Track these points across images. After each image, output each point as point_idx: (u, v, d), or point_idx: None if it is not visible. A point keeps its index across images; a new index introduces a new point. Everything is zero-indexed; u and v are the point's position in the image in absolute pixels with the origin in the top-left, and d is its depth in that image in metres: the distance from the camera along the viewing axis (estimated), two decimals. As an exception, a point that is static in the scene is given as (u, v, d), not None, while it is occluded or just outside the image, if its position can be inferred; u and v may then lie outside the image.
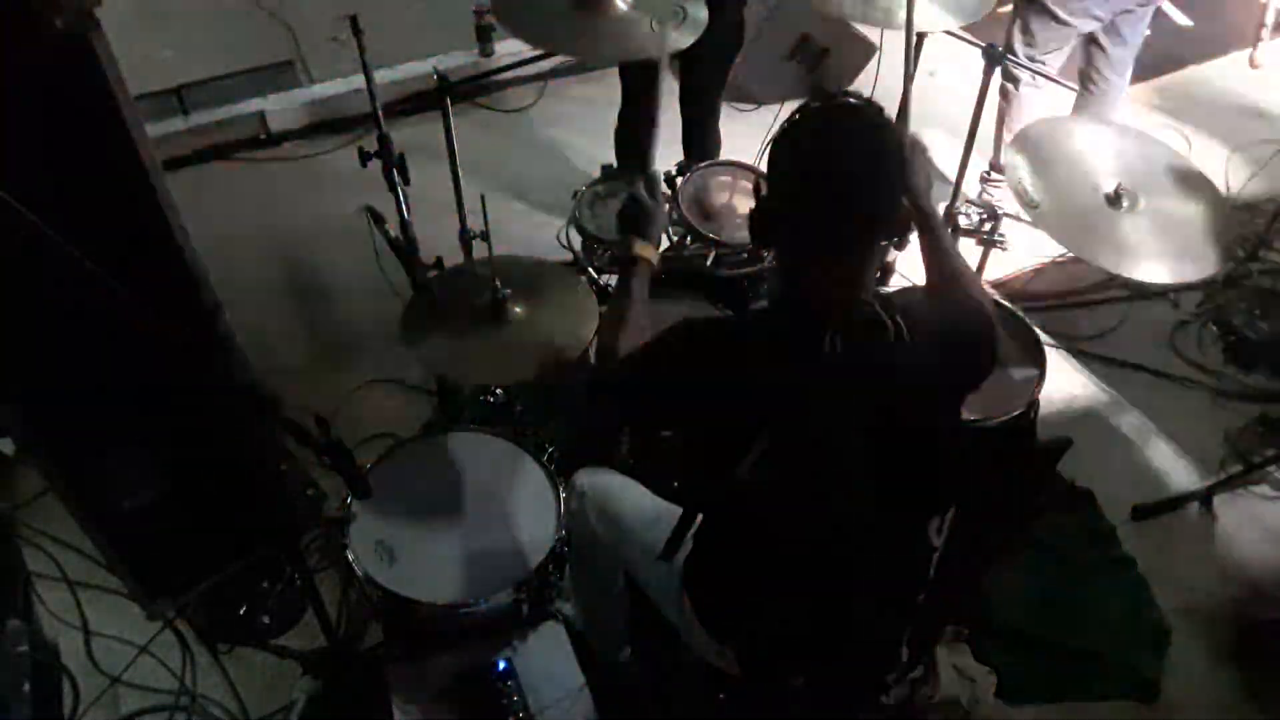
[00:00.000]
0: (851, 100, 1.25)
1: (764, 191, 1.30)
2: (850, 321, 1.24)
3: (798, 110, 1.26)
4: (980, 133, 2.39)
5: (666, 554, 1.53)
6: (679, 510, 1.70)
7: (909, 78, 1.96)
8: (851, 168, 1.21)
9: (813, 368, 1.22)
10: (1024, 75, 2.98)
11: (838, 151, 1.21)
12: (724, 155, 2.61)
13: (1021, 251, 3.11)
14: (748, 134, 3.58)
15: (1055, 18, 2.81)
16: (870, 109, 1.25)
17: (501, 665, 1.75)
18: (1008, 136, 3.16)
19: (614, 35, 1.97)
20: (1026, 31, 2.89)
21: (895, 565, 1.37)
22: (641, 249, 1.58)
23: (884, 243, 1.32)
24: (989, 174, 3.30)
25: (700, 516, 1.47)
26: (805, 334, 1.23)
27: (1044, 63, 2.90)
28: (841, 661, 1.46)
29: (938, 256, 1.57)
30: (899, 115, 2.18)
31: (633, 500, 1.79)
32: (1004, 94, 3.10)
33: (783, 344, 1.25)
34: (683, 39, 2.02)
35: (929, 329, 1.29)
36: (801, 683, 1.46)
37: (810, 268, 1.27)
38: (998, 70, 2.29)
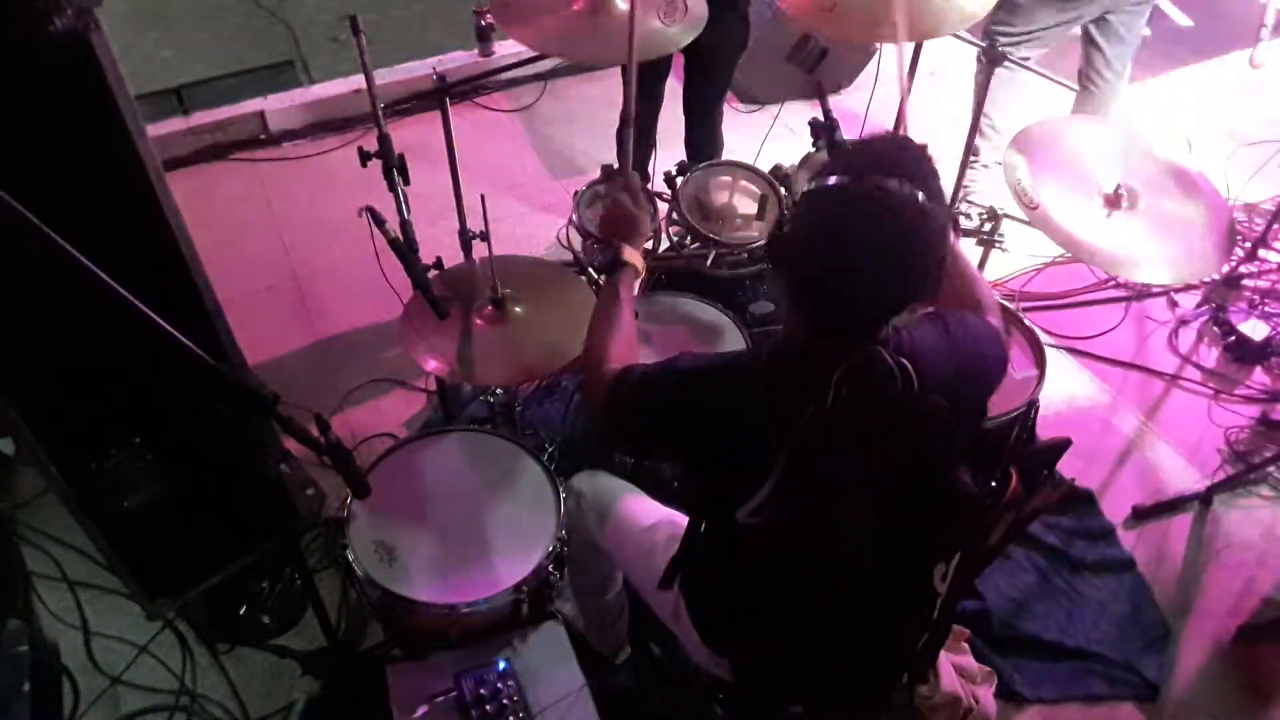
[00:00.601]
0: (891, 184, 1.15)
1: (785, 230, 1.25)
2: (858, 367, 1.20)
3: (835, 185, 1.18)
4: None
5: (664, 585, 1.52)
6: (676, 515, 1.70)
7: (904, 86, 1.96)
8: (885, 274, 1.17)
9: (819, 416, 1.18)
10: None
11: (872, 256, 1.17)
12: (724, 155, 2.61)
13: (1021, 251, 3.12)
14: (748, 134, 3.58)
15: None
16: (910, 198, 1.15)
17: (501, 665, 1.75)
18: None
19: (615, 37, 1.97)
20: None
21: (897, 611, 1.36)
22: (627, 253, 1.58)
23: None
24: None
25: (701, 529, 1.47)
26: (813, 381, 1.20)
27: (1026, 37, 2.87)
28: (839, 693, 1.46)
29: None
30: (896, 120, 2.18)
31: (630, 504, 1.79)
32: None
33: (791, 390, 1.21)
34: (683, 36, 2.01)
35: (939, 372, 1.27)
36: (800, 711, 1.47)
37: (825, 339, 1.25)
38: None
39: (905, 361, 1.21)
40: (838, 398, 1.18)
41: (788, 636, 1.38)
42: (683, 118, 2.99)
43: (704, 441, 1.31)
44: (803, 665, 1.41)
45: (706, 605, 1.53)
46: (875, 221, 1.16)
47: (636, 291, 2.28)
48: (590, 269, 2.32)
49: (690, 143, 3.05)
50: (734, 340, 2.15)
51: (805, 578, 1.29)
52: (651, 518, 1.73)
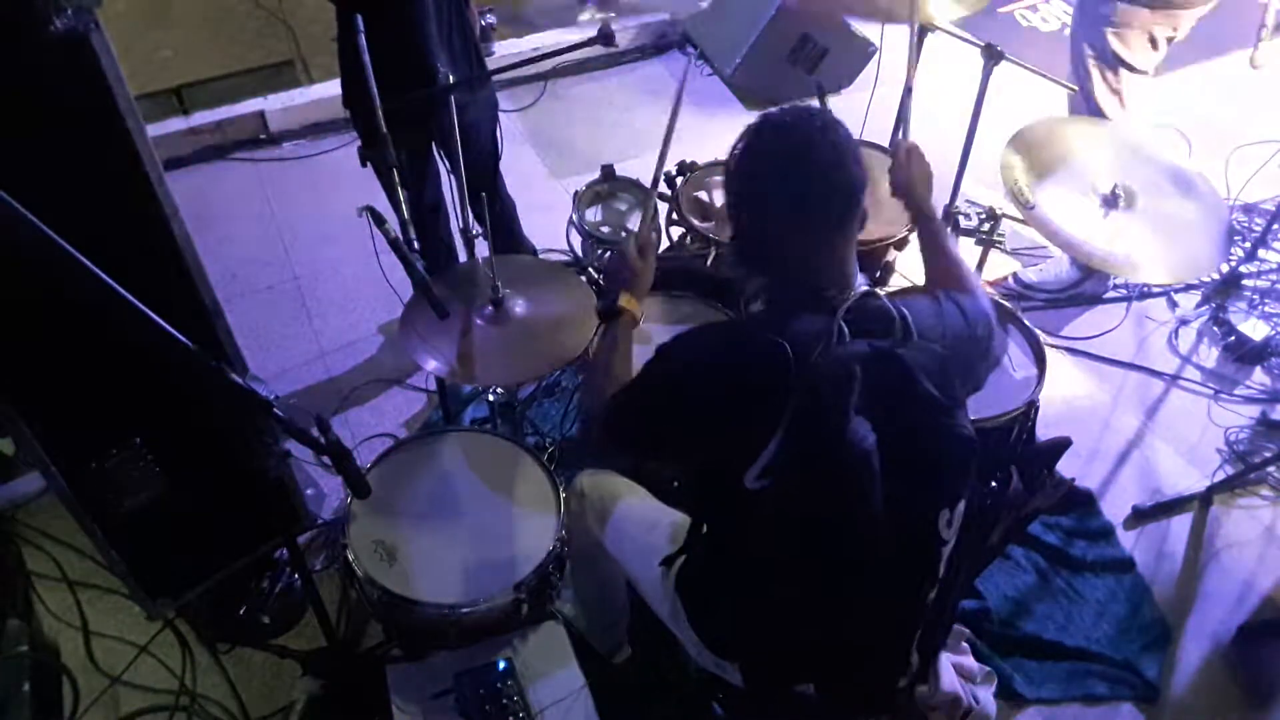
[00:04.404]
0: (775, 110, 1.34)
1: (742, 217, 1.36)
2: (862, 312, 1.28)
3: (745, 138, 1.35)
4: (981, 137, 2.38)
5: (668, 561, 1.53)
6: (677, 515, 1.70)
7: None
8: (824, 146, 1.29)
9: (824, 359, 1.23)
10: None
11: (805, 140, 1.29)
12: (724, 156, 2.60)
13: (1021, 251, 3.13)
14: (748, 134, 3.58)
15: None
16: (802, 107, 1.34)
17: (501, 665, 1.75)
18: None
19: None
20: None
21: (907, 562, 1.35)
22: (625, 300, 1.59)
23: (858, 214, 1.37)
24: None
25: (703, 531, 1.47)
26: (817, 321, 1.27)
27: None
28: (852, 667, 1.45)
29: (936, 254, 1.64)
30: (900, 108, 2.19)
31: (632, 504, 1.79)
32: None
33: (794, 339, 1.25)
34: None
35: (933, 329, 1.33)
36: (812, 690, 1.46)
37: (813, 257, 1.32)
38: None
39: (905, 310, 1.30)
40: (840, 338, 1.25)
41: (798, 611, 1.36)
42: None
43: (711, 406, 1.31)
44: (813, 637, 1.40)
45: (703, 598, 1.53)
46: (794, 120, 1.31)
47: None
48: (590, 269, 2.32)
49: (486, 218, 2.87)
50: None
51: (815, 535, 1.28)
52: (653, 517, 1.73)
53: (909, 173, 1.77)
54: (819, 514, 1.27)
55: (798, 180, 1.29)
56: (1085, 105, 2.81)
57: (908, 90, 2.15)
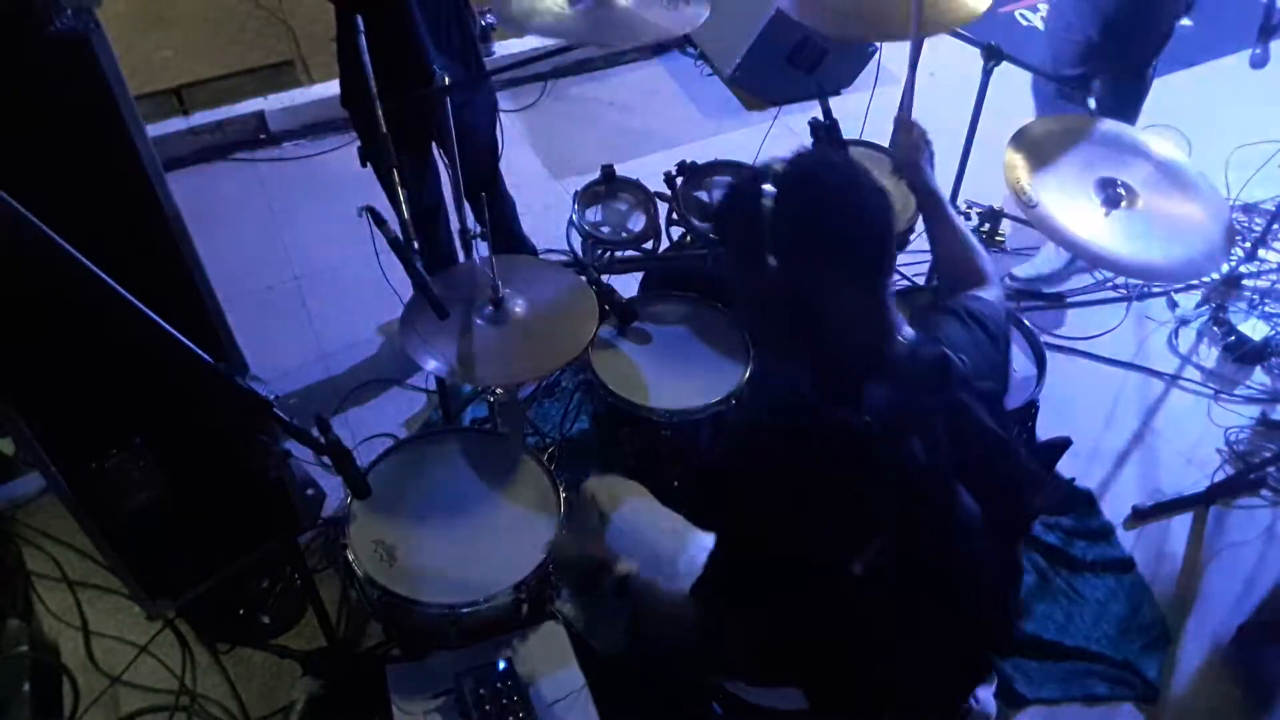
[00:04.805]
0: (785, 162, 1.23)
1: (775, 267, 1.21)
2: (918, 362, 1.22)
3: (778, 194, 1.20)
4: (981, 137, 2.39)
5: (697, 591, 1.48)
6: (679, 520, 1.69)
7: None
8: (866, 189, 1.21)
9: (909, 434, 1.15)
10: None
11: (852, 186, 1.21)
12: (726, 157, 2.60)
13: (1022, 250, 3.12)
14: (748, 134, 3.59)
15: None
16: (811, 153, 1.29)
17: (501, 665, 1.75)
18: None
19: (618, 24, 1.96)
20: None
21: (1002, 594, 1.35)
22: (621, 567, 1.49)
23: None
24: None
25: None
26: (881, 389, 1.18)
27: None
28: (943, 688, 1.42)
29: (948, 237, 1.60)
30: (901, 106, 2.18)
31: (638, 508, 1.78)
32: None
33: (871, 415, 1.17)
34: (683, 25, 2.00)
35: (973, 359, 1.28)
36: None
37: (868, 308, 1.23)
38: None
39: (961, 355, 1.24)
40: (913, 402, 1.18)
41: (898, 666, 1.29)
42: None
43: (809, 520, 1.20)
44: (907, 684, 1.32)
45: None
46: (826, 170, 1.23)
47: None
48: (590, 269, 2.31)
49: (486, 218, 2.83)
50: (734, 340, 2.15)
51: (934, 598, 1.21)
52: (659, 521, 1.73)
53: (904, 147, 1.74)
54: (935, 588, 1.21)
55: (850, 236, 1.20)
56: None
57: (915, 58, 2.14)
